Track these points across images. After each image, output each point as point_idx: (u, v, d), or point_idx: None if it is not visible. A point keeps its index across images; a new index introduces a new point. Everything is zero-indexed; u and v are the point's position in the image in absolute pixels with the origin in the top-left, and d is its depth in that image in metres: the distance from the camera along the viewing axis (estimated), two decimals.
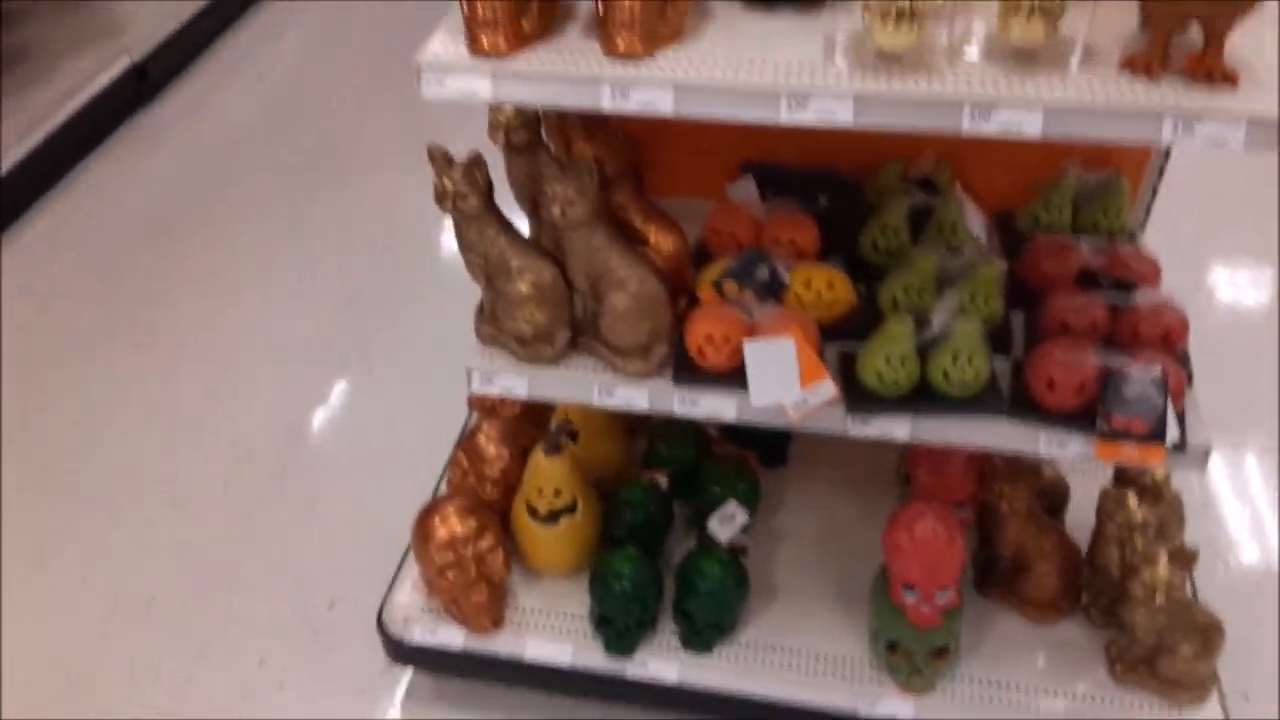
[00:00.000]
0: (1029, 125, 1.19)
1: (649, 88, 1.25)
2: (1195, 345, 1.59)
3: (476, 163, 1.52)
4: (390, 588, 1.99)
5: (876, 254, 1.78)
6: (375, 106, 3.82)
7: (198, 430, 2.57)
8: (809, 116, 1.23)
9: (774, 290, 1.61)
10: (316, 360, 2.78)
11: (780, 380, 1.53)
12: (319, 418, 2.63)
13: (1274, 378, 2.61)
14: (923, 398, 1.54)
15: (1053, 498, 1.97)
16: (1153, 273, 1.66)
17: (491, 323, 1.69)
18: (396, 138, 3.61)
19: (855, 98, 1.22)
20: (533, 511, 1.88)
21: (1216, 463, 2.38)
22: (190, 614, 2.16)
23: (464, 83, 1.30)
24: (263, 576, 2.22)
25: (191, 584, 2.21)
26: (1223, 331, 2.77)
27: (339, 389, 2.71)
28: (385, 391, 2.68)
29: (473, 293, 1.72)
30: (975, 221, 1.74)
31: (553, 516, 1.87)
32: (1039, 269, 1.70)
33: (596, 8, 1.30)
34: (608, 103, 1.27)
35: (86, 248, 3.20)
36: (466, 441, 2.03)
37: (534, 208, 1.72)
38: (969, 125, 1.20)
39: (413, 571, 1.97)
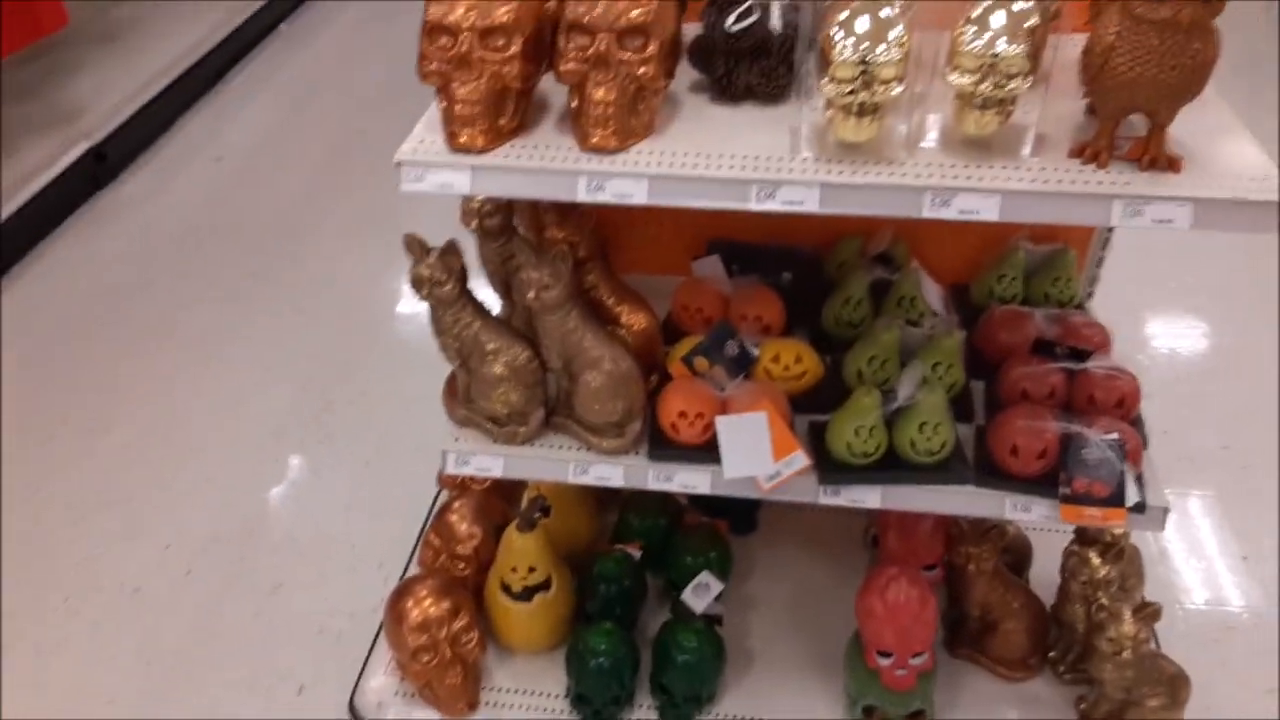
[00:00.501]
0: (986, 210, 1.25)
1: (623, 180, 1.30)
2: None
3: (452, 250, 1.54)
4: (362, 672, 1.96)
5: (839, 327, 1.83)
6: (335, 185, 3.83)
7: (156, 517, 2.52)
8: (777, 205, 1.28)
9: (744, 365, 1.65)
10: (277, 440, 2.75)
11: (753, 454, 1.57)
12: (282, 499, 2.59)
13: (1214, 429, 2.72)
14: (891, 466, 1.59)
15: (1016, 555, 2.02)
16: (1104, 339, 1.73)
17: (465, 404, 1.70)
18: (356, 216, 3.63)
19: (821, 186, 1.27)
20: (506, 589, 1.87)
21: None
22: (154, 706, 2.10)
23: (443, 177, 1.33)
24: (228, 664, 2.17)
25: (155, 675, 2.16)
26: (1162, 385, 2.87)
27: (302, 469, 2.68)
28: (349, 470, 2.66)
29: (436, 368, 1.73)
30: (932, 294, 1.80)
31: (527, 594, 1.87)
32: (995, 339, 1.76)
33: (571, 104, 1.35)
34: (584, 194, 1.31)
35: (42, 331, 3.14)
36: (437, 520, 2.02)
37: (507, 290, 1.76)
38: (930, 211, 1.26)
39: (385, 655, 1.95)
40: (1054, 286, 1.87)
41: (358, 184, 3.74)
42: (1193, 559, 2.39)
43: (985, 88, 1.23)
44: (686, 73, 1.48)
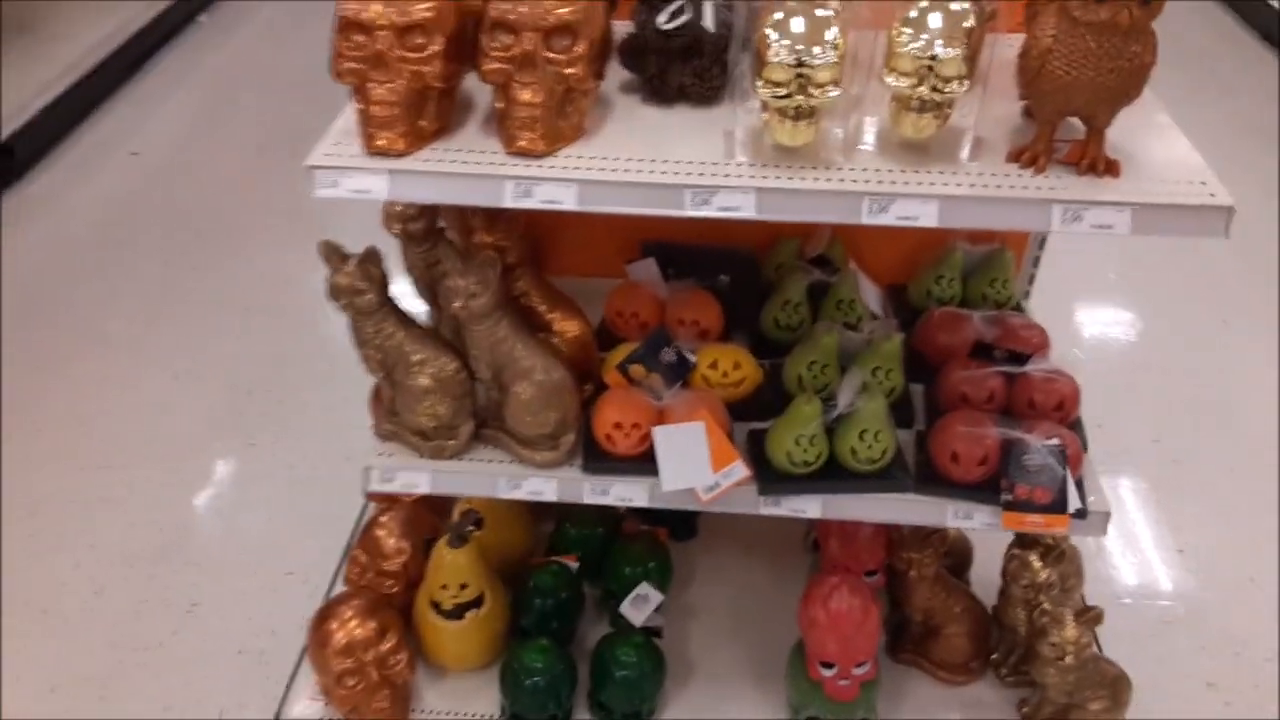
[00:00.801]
0: (925, 217, 1.22)
1: (552, 185, 1.24)
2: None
3: (371, 257, 1.47)
4: (284, 698, 1.88)
5: (778, 330, 1.79)
6: (259, 179, 3.69)
7: (66, 531, 2.40)
8: (713, 211, 1.23)
9: (681, 372, 1.60)
10: (197, 450, 2.63)
11: (692, 465, 1.52)
12: (201, 510, 2.48)
13: (1147, 422, 2.75)
14: (832, 475, 1.55)
15: (957, 557, 2.01)
16: (1042, 341, 1.71)
17: (390, 417, 1.62)
18: (281, 212, 3.50)
19: (758, 192, 1.22)
20: (436, 607, 1.80)
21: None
22: None
23: (359, 182, 1.25)
24: (142, 688, 2.07)
25: (65, 702, 2.04)
26: (1095, 378, 2.90)
27: (223, 478, 2.57)
28: (274, 479, 2.56)
29: (365, 374, 1.65)
30: (871, 296, 1.77)
31: (458, 611, 1.80)
32: (934, 341, 1.74)
33: (496, 106, 1.28)
34: (510, 200, 1.25)
35: None
36: (364, 536, 1.94)
37: (433, 297, 1.68)
38: (868, 218, 1.22)
39: (309, 679, 1.86)
40: (991, 287, 1.85)
41: (283, 179, 3.56)
42: (1129, 554, 2.41)
43: (923, 91, 1.20)
44: (617, 73, 1.42)
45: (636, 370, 1.60)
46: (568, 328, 1.67)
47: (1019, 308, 1.89)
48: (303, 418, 2.73)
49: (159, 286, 3.20)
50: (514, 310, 1.57)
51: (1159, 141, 1.33)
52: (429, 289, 1.69)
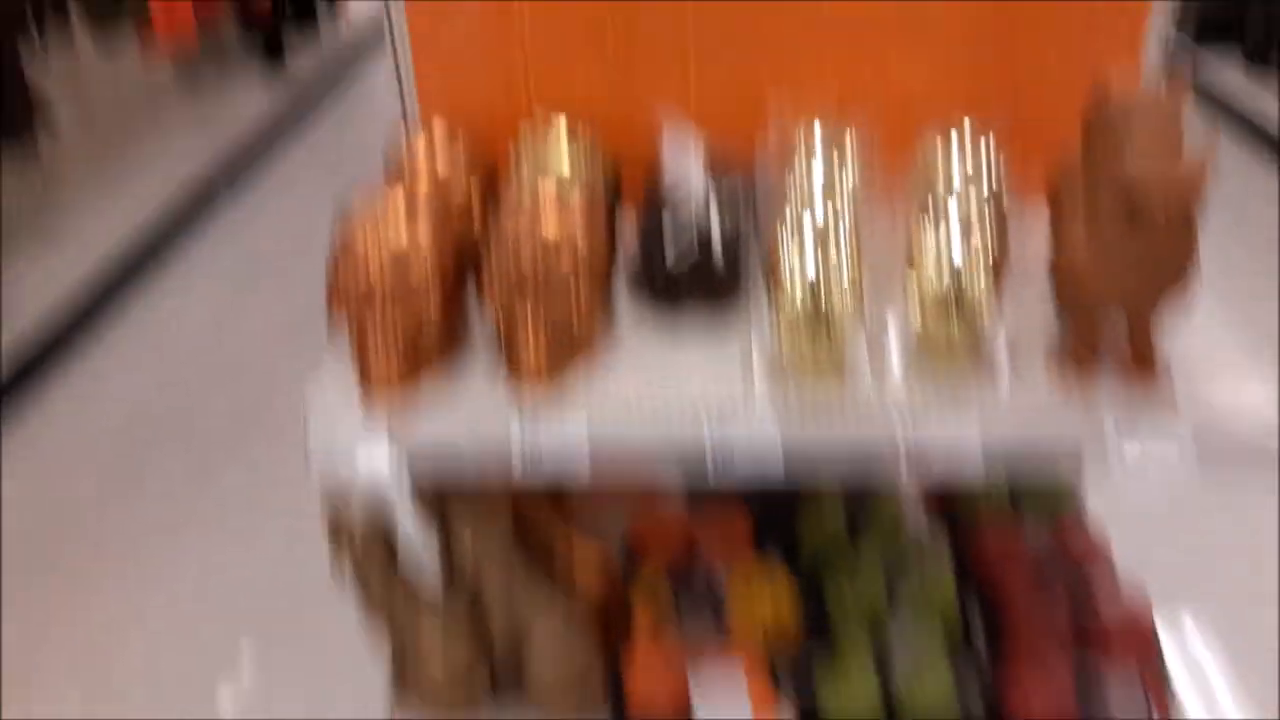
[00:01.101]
0: (969, 465, 1.11)
1: (565, 460, 1.15)
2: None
3: (377, 537, 1.38)
4: None
5: (815, 538, 1.64)
6: (286, 373, 3.64)
7: None
8: (737, 470, 1.14)
9: (713, 603, 1.48)
10: (214, 674, 2.48)
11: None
12: None
13: (1199, 547, 2.50)
14: None
15: None
16: (1104, 549, 1.56)
17: (400, 675, 1.48)
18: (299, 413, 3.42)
19: (785, 455, 1.13)
20: None
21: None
22: None
23: (357, 447, 1.23)
24: None
25: None
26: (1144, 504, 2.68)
27: (247, 706, 2.41)
28: (297, 697, 2.38)
29: None
30: (911, 502, 1.64)
31: None
32: (987, 557, 1.58)
33: (498, 336, 1.20)
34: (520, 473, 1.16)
35: None
36: None
37: (443, 523, 1.57)
38: (906, 472, 1.12)
39: None
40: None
41: (314, 364, 3.57)
42: (1198, 698, 2.14)
43: (950, 319, 1.11)
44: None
45: (665, 601, 1.48)
46: (587, 559, 1.54)
47: (1075, 500, 1.73)
48: (327, 632, 2.56)
49: (174, 493, 3.11)
50: (527, 545, 1.46)
51: (1201, 334, 1.22)
52: (439, 515, 1.58)
